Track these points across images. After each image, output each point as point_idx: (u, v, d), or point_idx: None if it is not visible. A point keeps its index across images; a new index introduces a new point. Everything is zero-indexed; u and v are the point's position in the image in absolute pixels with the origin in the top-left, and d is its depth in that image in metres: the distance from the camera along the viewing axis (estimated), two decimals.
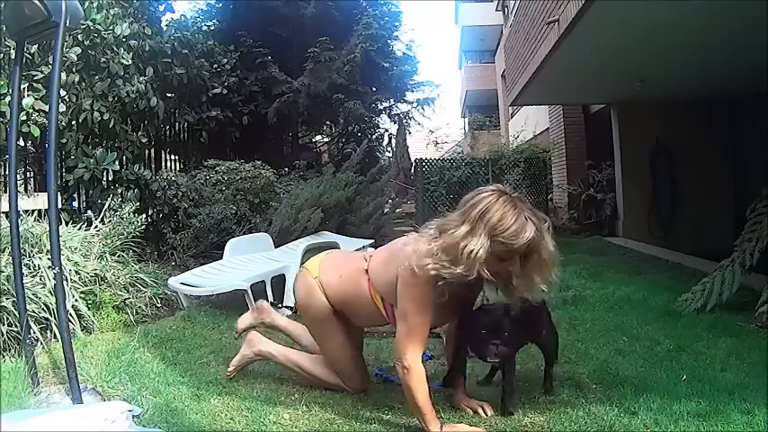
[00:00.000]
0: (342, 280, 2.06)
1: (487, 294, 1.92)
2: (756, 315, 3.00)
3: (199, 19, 9.71)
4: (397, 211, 7.91)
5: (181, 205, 5.15)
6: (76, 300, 2.82)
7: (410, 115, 11.26)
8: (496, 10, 15.24)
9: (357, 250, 4.49)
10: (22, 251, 2.42)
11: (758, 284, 3.33)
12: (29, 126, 3.56)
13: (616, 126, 7.85)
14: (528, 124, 11.37)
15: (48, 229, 2.30)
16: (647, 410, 1.88)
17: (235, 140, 8.13)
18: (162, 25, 6.84)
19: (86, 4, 4.37)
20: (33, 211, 3.22)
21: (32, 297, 2.54)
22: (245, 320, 2.52)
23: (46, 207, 2.43)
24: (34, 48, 3.75)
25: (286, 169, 8.14)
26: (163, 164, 6.84)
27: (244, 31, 8.88)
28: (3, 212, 2.87)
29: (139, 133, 5.21)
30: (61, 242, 2.48)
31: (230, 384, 2.23)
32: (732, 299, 3.28)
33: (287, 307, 3.37)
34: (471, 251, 1.63)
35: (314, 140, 12.22)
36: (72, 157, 4.36)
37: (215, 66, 7.71)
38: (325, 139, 12.30)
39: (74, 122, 4.44)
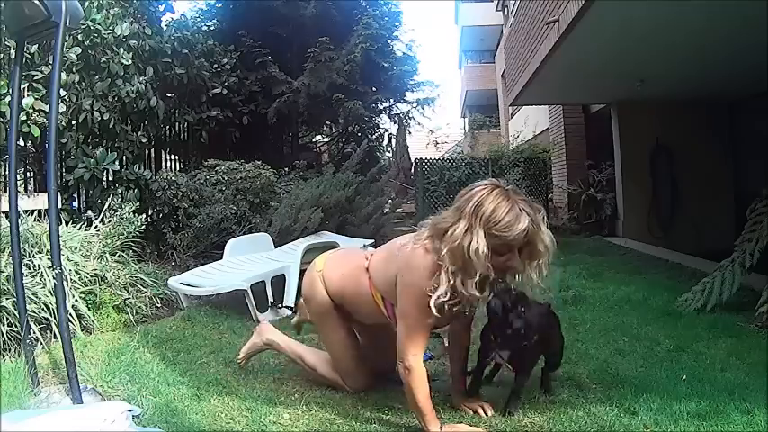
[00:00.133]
0: (343, 276, 2.09)
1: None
2: (756, 315, 3.00)
3: (199, 19, 9.73)
4: (397, 211, 7.92)
5: (181, 205, 5.15)
6: (76, 300, 2.82)
7: (410, 115, 11.27)
8: (496, 10, 15.24)
9: None
10: (22, 251, 2.42)
11: (758, 284, 3.33)
12: (29, 126, 3.56)
13: (616, 126, 7.85)
14: (528, 124, 11.37)
15: (48, 229, 2.30)
16: (647, 410, 1.88)
17: (235, 140, 8.13)
18: (162, 25, 6.85)
19: (86, 4, 4.37)
20: (33, 211, 3.22)
21: (32, 297, 2.54)
22: (248, 345, 2.43)
23: (46, 207, 2.43)
24: (34, 48, 3.75)
25: (286, 169, 8.15)
26: (163, 164, 6.84)
27: (244, 31, 8.88)
28: (3, 212, 2.87)
29: (139, 133, 5.21)
30: (61, 242, 2.48)
31: (230, 384, 2.23)
32: (732, 299, 3.28)
33: (287, 307, 3.37)
34: (476, 249, 1.60)
35: (314, 140, 12.23)
36: (72, 157, 4.36)
37: (215, 66, 7.71)
38: (326, 139, 12.30)
39: (74, 122, 4.44)
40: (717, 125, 7.50)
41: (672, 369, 2.31)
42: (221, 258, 4.03)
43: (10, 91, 2.58)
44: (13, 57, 2.99)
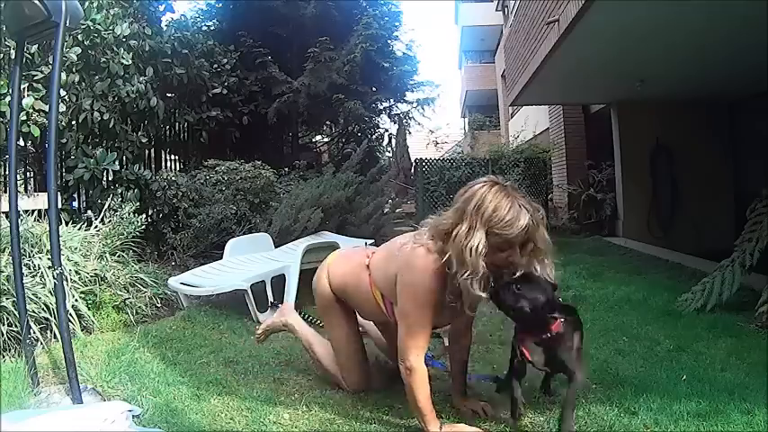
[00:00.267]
0: (345, 271, 2.12)
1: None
2: (756, 315, 3.00)
3: (199, 19, 9.73)
4: (397, 211, 7.92)
5: (181, 205, 5.15)
6: (76, 300, 2.82)
7: (410, 115, 11.26)
8: (496, 10, 15.23)
9: None
10: (22, 251, 2.42)
11: (758, 284, 3.33)
12: (29, 126, 3.56)
13: (616, 126, 7.84)
14: (528, 124, 11.37)
15: (48, 229, 2.30)
16: (647, 410, 1.88)
17: (235, 140, 8.13)
18: (162, 25, 6.85)
19: (86, 4, 4.37)
20: (33, 211, 3.22)
21: (32, 297, 2.54)
22: (268, 323, 2.54)
23: (46, 207, 2.42)
24: (34, 48, 3.75)
25: (286, 169, 8.15)
26: (163, 164, 6.84)
27: (244, 31, 8.88)
28: (3, 212, 2.87)
29: (139, 133, 5.21)
30: (61, 242, 2.48)
31: (230, 384, 2.23)
32: (732, 299, 3.28)
33: None
34: (472, 247, 1.61)
35: (314, 140, 12.22)
36: (72, 157, 4.36)
37: (215, 66, 7.71)
38: (326, 139, 12.30)
39: (74, 122, 4.44)
40: (717, 125, 7.50)
41: (672, 369, 2.31)
42: (221, 258, 4.02)
43: (10, 91, 2.58)
44: (13, 57, 2.99)
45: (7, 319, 2.43)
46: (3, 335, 2.40)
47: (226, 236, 4.87)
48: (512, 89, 8.08)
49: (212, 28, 9.15)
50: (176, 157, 7.39)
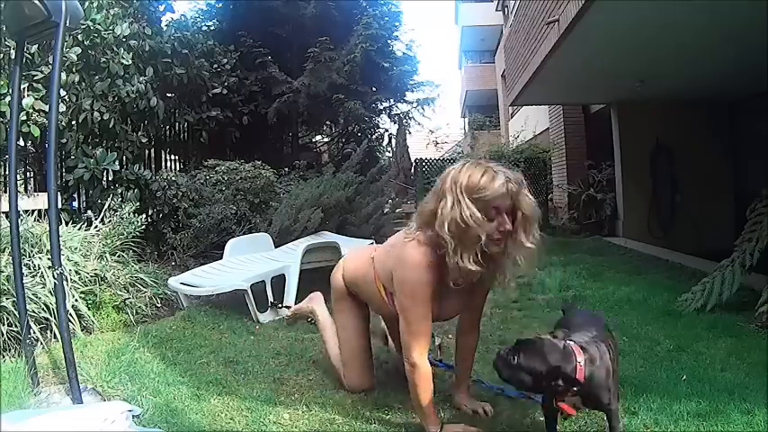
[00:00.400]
0: (357, 265, 2.16)
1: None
2: (756, 315, 3.00)
3: (199, 19, 9.72)
4: (397, 211, 7.91)
5: (181, 205, 5.15)
6: (76, 300, 2.82)
7: (410, 115, 11.25)
8: (496, 10, 15.23)
9: None
10: (22, 251, 2.42)
11: (758, 284, 3.33)
12: (29, 126, 3.56)
13: (616, 126, 7.85)
14: (528, 124, 11.37)
15: (48, 229, 2.30)
16: (647, 410, 1.88)
17: (235, 140, 8.13)
18: (162, 25, 6.84)
19: (86, 4, 4.37)
20: (33, 211, 3.22)
21: (32, 297, 2.54)
22: (296, 307, 2.75)
23: (46, 207, 2.42)
24: (34, 48, 3.75)
25: (286, 169, 8.14)
26: (163, 164, 6.83)
27: (244, 31, 8.87)
28: (3, 212, 2.87)
29: (139, 133, 5.21)
30: (61, 242, 2.48)
31: (230, 384, 2.23)
32: (732, 299, 3.28)
33: (287, 307, 3.37)
34: (470, 215, 1.60)
35: (314, 140, 12.21)
36: (72, 157, 4.36)
37: (215, 66, 7.71)
38: (326, 139, 12.29)
39: (74, 122, 4.43)
40: (717, 125, 7.50)
41: (672, 369, 2.31)
42: (221, 258, 4.02)
43: (10, 91, 2.58)
44: (13, 57, 2.99)
45: (7, 319, 2.43)
46: (3, 335, 2.40)
47: (226, 236, 4.87)
48: (512, 89, 8.08)
49: (212, 28, 9.14)
50: (176, 157, 7.39)
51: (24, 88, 3.55)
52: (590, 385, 1.59)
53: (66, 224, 3.47)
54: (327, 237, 4.96)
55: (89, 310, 2.89)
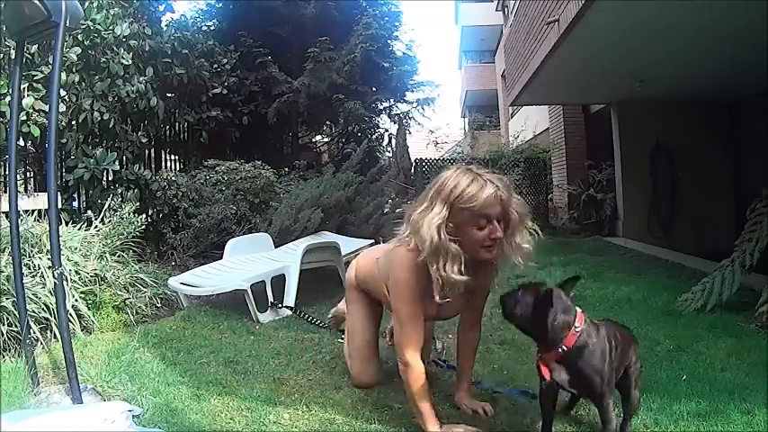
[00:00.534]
0: (367, 262, 2.23)
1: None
2: (756, 315, 3.00)
3: (199, 19, 9.71)
4: (397, 211, 7.90)
5: (181, 205, 5.15)
6: (76, 300, 2.82)
7: (410, 115, 11.24)
8: (496, 10, 15.23)
9: (356, 251, 4.49)
10: (22, 251, 2.42)
11: (758, 284, 3.33)
12: (29, 126, 3.56)
13: (616, 126, 7.85)
14: (528, 124, 11.37)
15: (48, 229, 2.29)
16: (647, 410, 1.88)
17: (235, 140, 8.13)
18: (162, 25, 6.84)
19: (86, 4, 4.37)
20: (33, 211, 3.22)
21: (32, 297, 2.54)
22: (335, 309, 2.81)
23: (46, 207, 2.42)
24: (34, 48, 3.75)
25: (286, 169, 8.14)
26: (163, 164, 6.83)
27: (244, 31, 8.87)
28: (3, 212, 2.87)
29: (139, 133, 5.21)
30: (61, 242, 2.48)
31: (230, 384, 2.23)
32: (732, 299, 3.28)
33: (287, 307, 3.37)
34: (427, 220, 1.65)
35: (314, 140, 12.20)
36: (72, 157, 4.36)
37: (215, 66, 7.71)
38: (326, 139, 12.28)
39: (74, 122, 4.43)
40: (717, 125, 7.51)
41: (672, 369, 2.31)
42: (221, 258, 4.02)
43: (10, 91, 2.58)
44: (13, 57, 2.99)
45: (7, 319, 2.43)
46: (3, 335, 2.40)
47: (226, 236, 4.87)
48: (512, 89, 8.08)
49: (212, 28, 9.14)
50: (176, 157, 7.39)
51: (24, 88, 3.55)
52: (578, 358, 1.59)
53: (67, 224, 3.46)
54: (327, 237, 4.96)
55: (89, 310, 2.89)
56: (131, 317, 3.07)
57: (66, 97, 4.18)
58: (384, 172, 8.22)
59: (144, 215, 4.11)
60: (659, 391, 2.05)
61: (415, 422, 1.84)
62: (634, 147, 7.63)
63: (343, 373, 2.36)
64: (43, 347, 2.48)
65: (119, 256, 3.41)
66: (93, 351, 2.56)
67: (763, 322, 2.93)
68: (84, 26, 4.29)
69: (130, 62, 4.78)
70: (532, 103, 9.43)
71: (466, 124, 23.27)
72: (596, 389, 1.61)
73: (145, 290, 3.34)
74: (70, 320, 2.65)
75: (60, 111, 3.92)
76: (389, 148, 11.96)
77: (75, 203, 4.63)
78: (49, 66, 3.51)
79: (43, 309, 2.56)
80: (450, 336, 2.70)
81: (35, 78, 3.75)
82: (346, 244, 4.56)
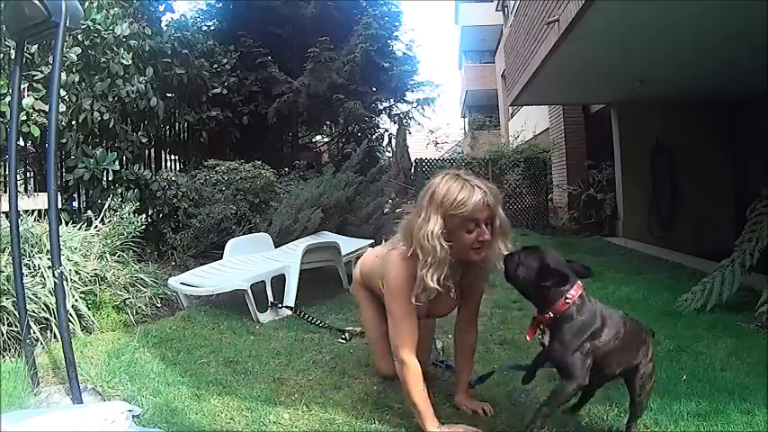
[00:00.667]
0: (370, 260, 2.31)
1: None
2: (756, 315, 3.00)
3: (199, 19, 9.71)
4: (397, 211, 7.90)
5: (181, 205, 5.15)
6: (76, 300, 2.82)
7: (410, 115, 11.24)
8: (496, 10, 15.23)
9: (356, 250, 4.49)
10: (22, 251, 2.42)
11: (758, 284, 3.33)
12: (29, 126, 3.56)
13: (616, 126, 7.85)
14: (528, 124, 11.37)
15: (48, 229, 2.29)
16: (647, 410, 1.88)
17: (235, 140, 8.12)
18: (162, 25, 6.84)
19: (86, 4, 4.37)
20: (33, 211, 3.22)
21: (32, 297, 2.54)
22: None
23: (46, 207, 2.42)
24: (34, 48, 3.74)
25: (286, 169, 8.14)
26: (163, 164, 6.83)
27: (244, 31, 8.87)
28: (3, 212, 2.87)
29: (139, 133, 5.21)
30: (61, 242, 2.48)
31: (230, 384, 2.23)
32: (732, 299, 3.28)
33: (287, 307, 3.37)
34: (427, 232, 1.73)
35: (314, 140, 12.20)
36: (72, 157, 4.35)
37: (215, 66, 7.70)
38: (326, 139, 12.28)
39: (74, 122, 4.43)
40: (717, 125, 7.51)
41: (672, 369, 2.31)
42: (221, 258, 4.02)
43: (10, 91, 2.58)
44: (13, 57, 2.99)
45: (7, 319, 2.43)
46: (3, 335, 2.40)
47: (226, 236, 4.87)
48: (512, 89, 8.08)
49: (212, 28, 9.14)
50: (176, 157, 7.38)
51: (24, 88, 3.55)
52: (561, 328, 1.61)
53: (67, 224, 3.46)
54: (327, 237, 4.96)
55: (89, 310, 2.89)
56: (131, 317, 3.06)
57: (66, 97, 4.17)
58: (384, 172, 8.21)
59: (144, 215, 4.11)
60: (659, 391, 2.04)
61: (415, 422, 1.84)
62: (634, 147, 7.64)
63: (344, 373, 2.36)
64: (43, 347, 2.48)
65: (119, 256, 3.41)
66: (93, 351, 2.56)
67: (763, 322, 2.93)
68: (84, 26, 4.28)
69: (130, 62, 4.78)
70: (532, 103, 9.44)
71: (466, 124, 23.27)
72: (561, 364, 1.62)
73: (145, 290, 3.34)
74: (70, 320, 2.65)
75: (60, 111, 3.92)
76: (389, 148, 11.97)
77: (75, 203, 4.63)
78: (49, 66, 3.51)
79: (43, 309, 2.56)
80: (449, 336, 2.69)
81: (35, 78, 3.74)
82: (346, 244, 4.56)
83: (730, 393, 2.02)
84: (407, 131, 11.88)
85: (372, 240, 5.22)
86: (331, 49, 9.05)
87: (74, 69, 4.34)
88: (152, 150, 6.44)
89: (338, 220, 5.67)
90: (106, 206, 3.77)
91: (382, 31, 9.60)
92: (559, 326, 1.63)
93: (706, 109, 7.30)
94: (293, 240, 4.74)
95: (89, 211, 3.87)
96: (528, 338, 1.73)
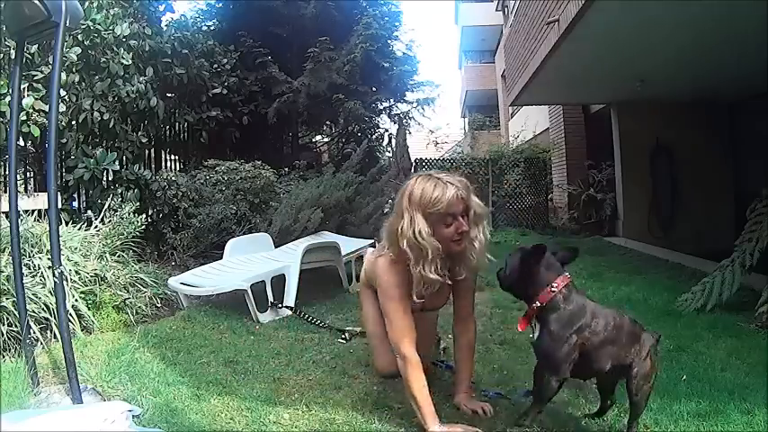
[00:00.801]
0: (371, 259, 2.28)
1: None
2: (756, 315, 3.00)
3: (199, 19, 9.70)
4: None
5: (181, 205, 5.15)
6: (76, 300, 2.82)
7: (410, 115, 11.22)
8: (496, 10, 15.24)
9: (356, 250, 4.49)
10: (22, 251, 2.42)
11: (758, 284, 3.33)
12: (29, 126, 3.56)
13: (616, 126, 7.85)
14: (528, 124, 11.37)
15: (48, 229, 2.29)
16: (648, 410, 1.88)
17: (235, 140, 8.12)
18: (162, 25, 6.84)
19: (86, 4, 4.37)
20: (33, 211, 3.22)
21: (32, 297, 2.54)
22: None
23: (46, 207, 2.42)
24: (34, 48, 3.75)
25: (286, 169, 8.13)
26: (163, 164, 6.83)
27: (244, 31, 8.87)
28: (3, 212, 2.87)
29: (139, 133, 5.21)
30: (61, 242, 2.48)
31: (230, 384, 2.23)
32: (732, 299, 3.28)
33: (287, 307, 3.37)
34: (418, 231, 1.81)
35: (314, 140, 12.19)
36: (72, 157, 4.36)
37: (215, 66, 7.70)
38: (326, 139, 12.27)
39: (74, 122, 4.43)
40: (717, 125, 7.51)
41: (672, 369, 2.31)
42: (221, 258, 4.02)
43: (10, 91, 2.58)
44: (13, 57, 2.99)
45: (7, 319, 2.43)
46: (3, 335, 2.40)
47: (226, 236, 4.87)
48: (512, 89, 8.08)
49: (212, 28, 9.14)
50: (176, 157, 7.38)
51: (24, 88, 3.55)
52: (546, 318, 1.65)
53: (67, 224, 3.46)
54: (327, 237, 4.96)
55: (89, 310, 2.89)
56: (131, 317, 3.06)
57: (66, 97, 4.18)
58: (384, 172, 8.21)
59: (144, 215, 4.11)
60: (659, 391, 2.04)
61: (415, 422, 1.84)
62: (634, 147, 7.64)
63: (344, 373, 2.36)
64: (43, 347, 2.48)
65: (119, 256, 3.41)
66: (93, 351, 2.56)
67: (763, 322, 2.93)
68: (84, 26, 4.28)
69: (130, 62, 4.78)
70: (532, 103, 9.44)
71: (466, 124, 23.26)
72: (540, 355, 1.66)
73: (145, 290, 3.34)
74: (70, 320, 2.65)
75: (60, 111, 3.92)
76: (389, 148, 11.94)
77: (75, 203, 4.63)
78: (49, 66, 3.51)
79: (43, 309, 2.56)
80: (449, 336, 2.69)
81: (35, 78, 3.75)
82: (346, 244, 4.56)
83: (730, 393, 2.03)
84: (407, 131, 11.84)
85: (372, 240, 5.22)
86: (331, 49, 9.05)
87: (74, 69, 4.34)
88: (152, 150, 6.44)
89: (338, 220, 5.67)
90: (106, 206, 3.77)
91: (382, 31, 9.59)
92: (546, 316, 1.67)
93: (706, 109, 7.30)
94: (293, 240, 4.74)
95: (89, 211, 3.87)
96: (519, 328, 1.81)
